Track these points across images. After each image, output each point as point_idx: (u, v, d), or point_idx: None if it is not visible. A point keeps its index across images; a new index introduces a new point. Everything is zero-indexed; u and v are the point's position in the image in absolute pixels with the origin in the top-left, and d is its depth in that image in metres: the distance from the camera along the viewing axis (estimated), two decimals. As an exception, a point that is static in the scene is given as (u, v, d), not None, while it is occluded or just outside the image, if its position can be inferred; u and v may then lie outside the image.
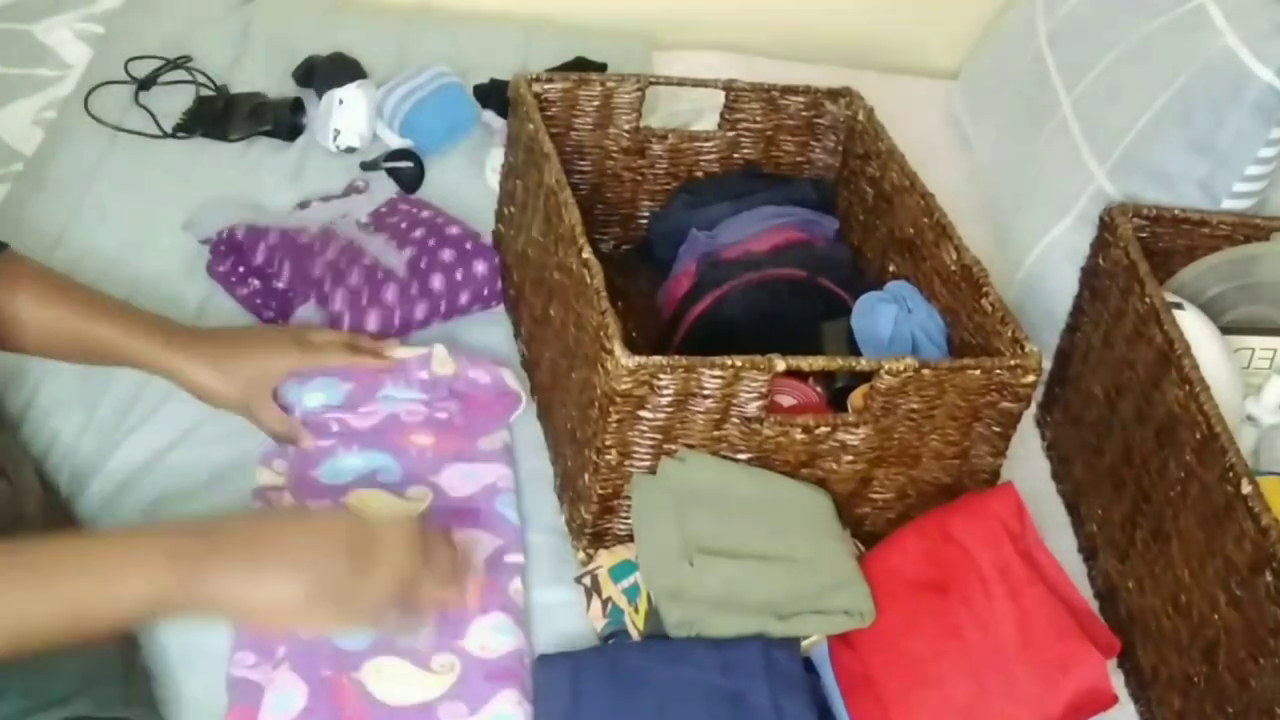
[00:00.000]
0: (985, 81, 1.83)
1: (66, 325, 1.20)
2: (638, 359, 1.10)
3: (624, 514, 1.22)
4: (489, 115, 1.71)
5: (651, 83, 1.46)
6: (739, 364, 1.12)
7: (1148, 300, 1.27)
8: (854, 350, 1.31)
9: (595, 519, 1.22)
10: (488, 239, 1.50)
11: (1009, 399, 1.21)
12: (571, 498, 1.26)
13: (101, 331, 1.20)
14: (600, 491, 1.20)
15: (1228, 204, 1.42)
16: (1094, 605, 1.30)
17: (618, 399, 1.12)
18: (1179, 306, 1.30)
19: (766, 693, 1.11)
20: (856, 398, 1.25)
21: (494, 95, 1.73)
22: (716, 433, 1.17)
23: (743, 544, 1.16)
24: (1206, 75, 1.37)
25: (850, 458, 1.22)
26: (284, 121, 1.69)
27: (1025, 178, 1.63)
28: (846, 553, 1.20)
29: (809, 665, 1.17)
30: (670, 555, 1.15)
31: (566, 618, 1.22)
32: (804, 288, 1.37)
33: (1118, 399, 1.33)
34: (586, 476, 1.20)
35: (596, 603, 1.20)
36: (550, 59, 1.81)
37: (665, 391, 1.12)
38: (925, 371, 1.16)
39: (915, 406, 1.19)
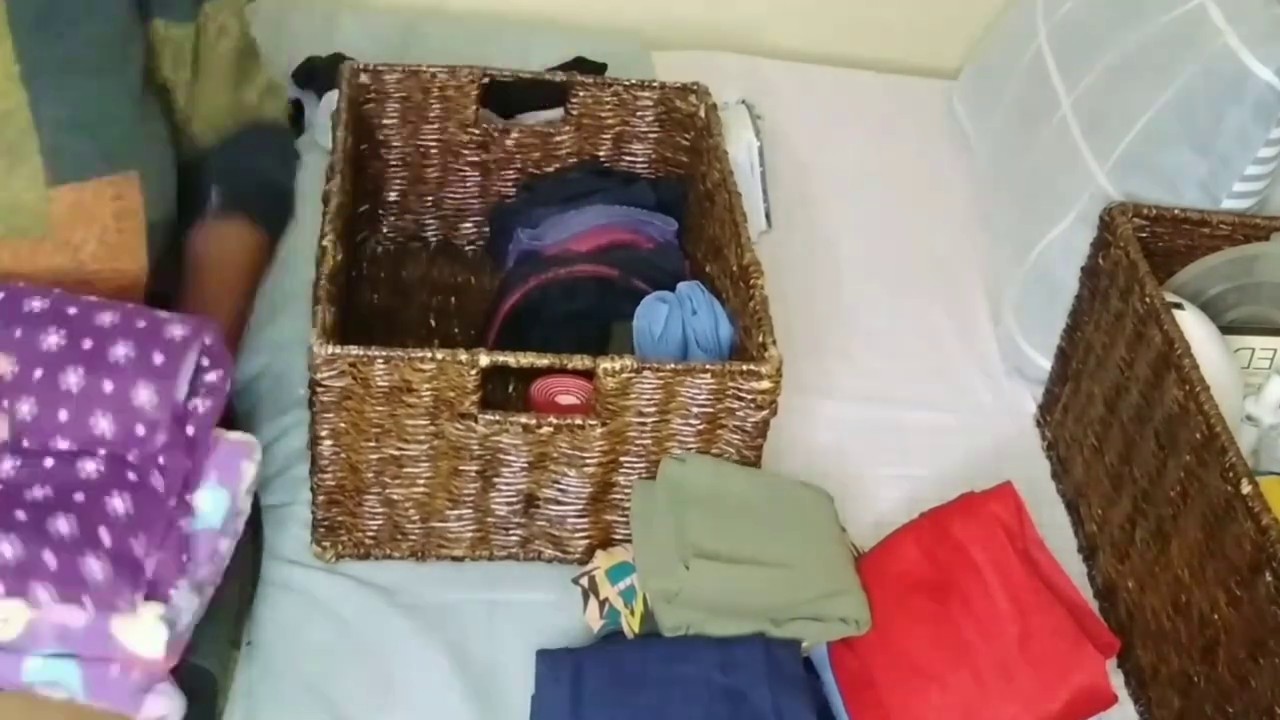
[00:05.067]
0: (985, 81, 1.83)
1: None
2: (333, 348, 1.10)
3: (357, 510, 1.21)
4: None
5: (487, 74, 1.43)
6: (441, 357, 1.11)
7: (1148, 300, 1.27)
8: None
9: (321, 510, 1.22)
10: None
11: (749, 406, 1.18)
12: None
13: None
14: (320, 483, 1.19)
15: (1228, 204, 1.41)
16: (1094, 605, 1.30)
17: (319, 389, 1.12)
18: (1179, 306, 1.29)
19: (767, 692, 1.11)
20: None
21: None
22: (432, 427, 1.16)
23: (740, 548, 1.16)
24: (1206, 75, 1.37)
25: (586, 459, 1.20)
26: (283, 121, 1.68)
27: (1025, 178, 1.63)
28: (844, 558, 1.20)
29: (809, 665, 1.17)
30: (666, 558, 1.15)
31: (563, 617, 1.22)
32: (614, 287, 1.34)
33: (1118, 399, 1.33)
34: (307, 468, 1.20)
35: (594, 604, 1.20)
36: (550, 59, 1.81)
37: (380, 383, 1.12)
38: (646, 373, 1.14)
39: (644, 409, 1.17)
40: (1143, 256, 1.31)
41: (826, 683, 1.17)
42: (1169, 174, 1.41)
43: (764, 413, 1.18)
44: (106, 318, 1.04)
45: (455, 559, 1.27)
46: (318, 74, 1.72)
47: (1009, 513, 1.23)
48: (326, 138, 1.63)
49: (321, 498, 1.21)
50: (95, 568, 0.96)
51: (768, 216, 1.67)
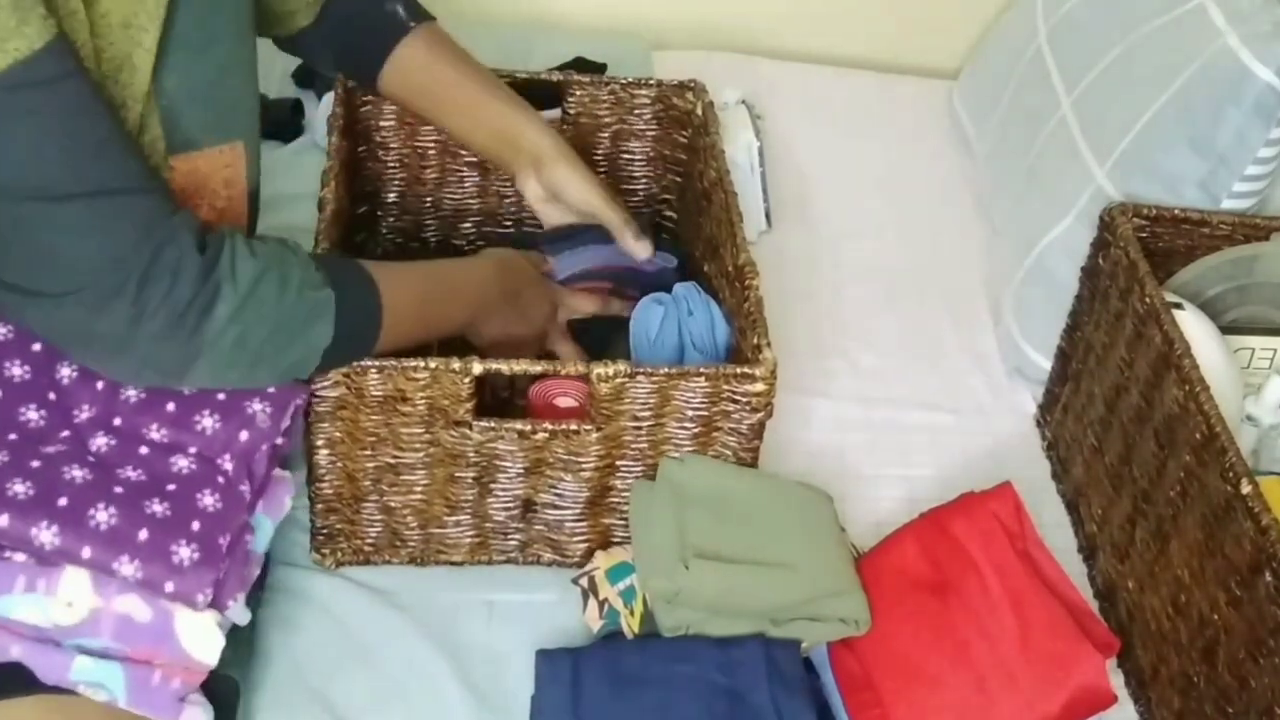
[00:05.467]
0: (985, 81, 1.83)
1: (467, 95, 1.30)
2: None
3: (355, 517, 1.22)
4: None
5: None
6: (435, 366, 1.11)
7: (1148, 300, 1.27)
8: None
9: (320, 519, 1.22)
10: None
11: (744, 408, 1.17)
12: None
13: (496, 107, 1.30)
14: (318, 491, 1.20)
15: (1228, 204, 1.41)
16: (1094, 605, 1.30)
17: (314, 399, 1.13)
18: (1179, 306, 1.29)
19: (766, 692, 1.11)
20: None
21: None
22: (428, 435, 1.16)
23: (740, 548, 1.16)
24: (1206, 75, 1.37)
25: (583, 464, 1.20)
26: (283, 122, 1.69)
27: (1025, 178, 1.63)
28: (844, 558, 1.20)
29: (809, 665, 1.17)
30: (667, 558, 1.15)
31: (563, 617, 1.22)
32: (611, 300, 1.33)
33: (1117, 399, 1.33)
34: (304, 477, 1.20)
35: (593, 604, 1.20)
36: (550, 59, 1.81)
37: (374, 393, 1.12)
38: (640, 377, 1.14)
39: (638, 412, 1.16)
40: (1143, 256, 1.31)
41: (826, 683, 1.16)
42: (1169, 174, 1.41)
43: (759, 415, 1.18)
44: None
45: (454, 564, 1.27)
46: (318, 74, 1.72)
47: (1009, 513, 1.23)
48: (326, 138, 1.64)
49: (320, 506, 1.21)
50: (184, 554, 0.98)
51: (768, 216, 1.67)
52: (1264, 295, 1.38)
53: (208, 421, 1.04)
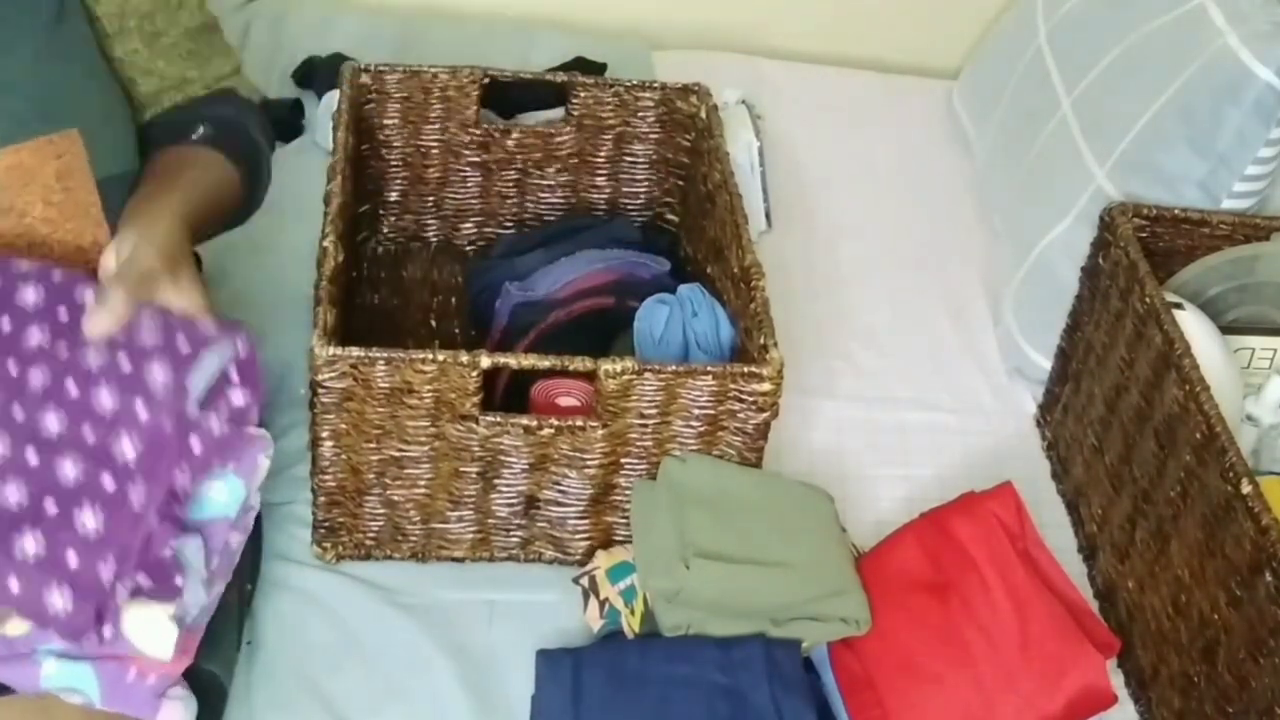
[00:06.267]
0: (985, 81, 1.83)
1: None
2: (334, 350, 1.10)
3: (358, 511, 1.22)
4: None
5: (488, 75, 1.43)
6: (443, 359, 1.11)
7: (1148, 300, 1.27)
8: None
9: (322, 512, 1.22)
10: None
11: (750, 408, 1.18)
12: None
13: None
14: (321, 484, 1.20)
15: (1228, 204, 1.42)
16: (1094, 605, 1.30)
17: (320, 390, 1.12)
18: (1179, 306, 1.30)
19: (766, 691, 1.11)
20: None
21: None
22: (433, 429, 1.16)
23: (740, 548, 1.16)
24: (1206, 75, 1.37)
25: (587, 461, 1.20)
26: (283, 122, 1.69)
27: (1025, 178, 1.63)
28: (845, 558, 1.20)
29: (809, 665, 1.17)
30: (667, 557, 1.15)
31: (563, 617, 1.22)
32: (614, 313, 1.33)
33: (1118, 399, 1.33)
34: (308, 469, 1.21)
35: (594, 603, 1.20)
36: (550, 59, 1.81)
37: (381, 385, 1.12)
38: (647, 374, 1.14)
39: (645, 410, 1.17)
40: (1143, 256, 1.31)
41: (826, 683, 1.17)
42: (1169, 174, 1.41)
43: (765, 414, 1.18)
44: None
45: (456, 560, 1.27)
46: (317, 74, 1.73)
47: (1009, 513, 1.23)
48: (326, 138, 1.63)
49: (322, 499, 1.21)
50: (56, 598, 0.92)
51: (768, 216, 1.67)
52: (1264, 295, 1.38)
53: (106, 400, 0.96)
